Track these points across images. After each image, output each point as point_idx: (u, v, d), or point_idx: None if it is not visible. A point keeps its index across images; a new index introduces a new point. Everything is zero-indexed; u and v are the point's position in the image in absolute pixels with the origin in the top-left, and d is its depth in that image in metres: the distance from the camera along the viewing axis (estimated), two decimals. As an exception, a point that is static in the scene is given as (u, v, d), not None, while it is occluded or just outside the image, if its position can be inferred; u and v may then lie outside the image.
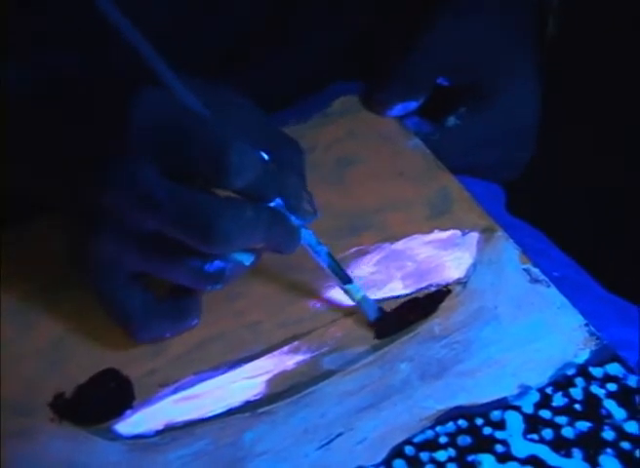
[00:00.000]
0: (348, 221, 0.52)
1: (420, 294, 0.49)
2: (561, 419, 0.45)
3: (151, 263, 0.44)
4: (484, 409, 0.45)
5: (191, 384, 0.46)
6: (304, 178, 0.48)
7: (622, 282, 0.60)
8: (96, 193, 0.43)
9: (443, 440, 0.44)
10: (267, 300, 0.49)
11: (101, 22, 0.42)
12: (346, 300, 0.49)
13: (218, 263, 0.44)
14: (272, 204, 0.45)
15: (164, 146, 0.42)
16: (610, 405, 0.46)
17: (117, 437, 0.44)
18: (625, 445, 0.44)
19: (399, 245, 0.52)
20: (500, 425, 0.45)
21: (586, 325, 0.48)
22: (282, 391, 0.46)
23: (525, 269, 0.50)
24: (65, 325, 0.47)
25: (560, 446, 0.44)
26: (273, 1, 0.58)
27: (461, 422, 0.45)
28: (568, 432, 0.45)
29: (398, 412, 0.45)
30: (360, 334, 0.48)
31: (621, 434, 0.45)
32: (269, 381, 0.46)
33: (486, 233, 0.52)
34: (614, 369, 0.47)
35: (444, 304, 0.49)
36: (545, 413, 0.45)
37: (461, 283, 0.50)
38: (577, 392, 0.46)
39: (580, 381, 0.46)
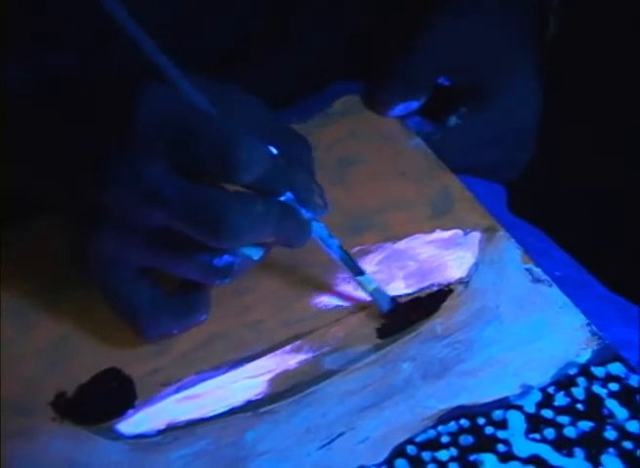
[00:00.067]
0: (350, 221, 0.52)
1: (422, 294, 0.49)
2: (563, 419, 0.45)
3: (160, 258, 0.44)
4: (486, 409, 0.45)
5: (193, 384, 0.46)
6: (314, 173, 0.48)
7: (624, 282, 0.60)
8: (96, 192, 0.43)
9: (445, 439, 0.44)
10: (274, 295, 0.49)
11: (103, 21, 0.42)
12: (354, 295, 0.49)
13: (227, 258, 0.44)
14: (282, 198, 0.45)
15: (171, 143, 0.42)
16: (612, 404, 0.46)
17: (119, 436, 0.44)
18: (627, 444, 0.44)
19: (401, 244, 0.51)
20: (502, 425, 0.45)
21: (588, 324, 0.48)
22: (284, 390, 0.46)
23: (527, 269, 0.50)
24: (66, 324, 0.47)
25: (562, 445, 0.44)
26: (273, 1, 0.58)
27: (463, 422, 0.45)
28: (570, 432, 0.45)
29: (400, 412, 0.45)
30: (362, 334, 0.48)
31: (623, 433, 0.45)
32: (271, 381, 0.46)
33: (488, 233, 0.52)
34: (616, 368, 0.47)
35: (446, 304, 0.49)
36: (547, 413, 0.45)
37: (463, 282, 0.50)
38: (579, 392, 0.46)
39: (581, 381, 0.46)
